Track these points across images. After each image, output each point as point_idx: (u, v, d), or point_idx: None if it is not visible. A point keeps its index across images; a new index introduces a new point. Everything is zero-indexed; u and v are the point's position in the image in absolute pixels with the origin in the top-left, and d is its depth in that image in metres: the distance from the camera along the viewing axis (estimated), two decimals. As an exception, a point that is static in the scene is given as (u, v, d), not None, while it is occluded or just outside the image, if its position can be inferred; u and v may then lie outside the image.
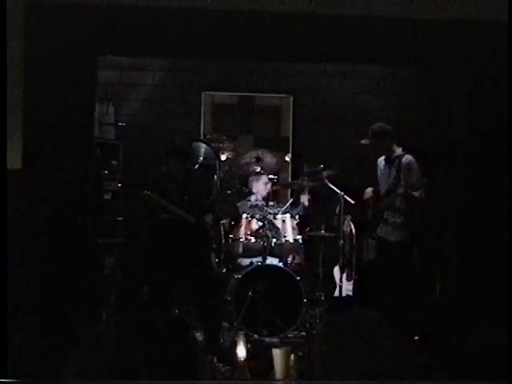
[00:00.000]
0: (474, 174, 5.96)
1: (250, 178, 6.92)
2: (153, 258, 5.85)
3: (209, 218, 5.91)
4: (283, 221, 6.53)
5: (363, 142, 5.88)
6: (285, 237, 6.46)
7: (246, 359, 5.11)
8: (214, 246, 6.22)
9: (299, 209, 6.75)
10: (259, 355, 5.21)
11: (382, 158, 6.01)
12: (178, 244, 5.53)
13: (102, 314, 6.30)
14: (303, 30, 5.42)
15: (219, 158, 6.14)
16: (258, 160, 7.03)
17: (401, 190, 5.70)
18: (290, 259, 6.64)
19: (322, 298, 6.45)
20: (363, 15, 5.27)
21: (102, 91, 6.92)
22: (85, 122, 5.74)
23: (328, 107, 7.92)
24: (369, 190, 6.02)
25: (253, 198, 6.89)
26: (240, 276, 6.08)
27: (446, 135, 6.78)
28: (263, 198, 6.84)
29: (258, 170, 6.95)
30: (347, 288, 6.49)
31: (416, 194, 5.61)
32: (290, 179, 7.77)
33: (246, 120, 8.13)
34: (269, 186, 6.83)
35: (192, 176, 5.76)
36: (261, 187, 6.83)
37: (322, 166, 6.51)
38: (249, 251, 6.48)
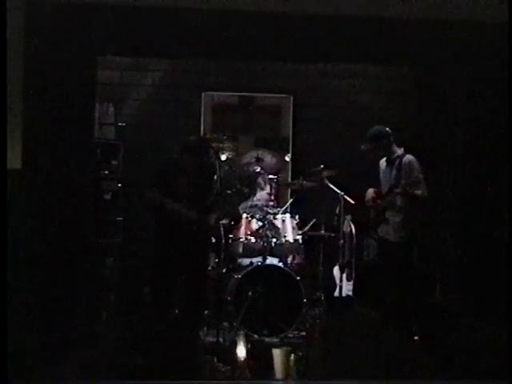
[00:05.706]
0: (475, 173, 5.97)
1: (257, 188, 6.91)
2: (153, 257, 5.84)
3: (211, 218, 5.88)
4: (283, 221, 6.52)
5: (363, 147, 5.89)
6: (285, 237, 6.45)
7: (245, 359, 5.10)
8: (214, 245, 6.20)
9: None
10: (259, 355, 5.20)
11: (384, 159, 6.00)
12: (179, 244, 5.52)
13: (102, 314, 6.29)
14: (303, 30, 5.43)
15: (219, 157, 6.13)
16: (258, 160, 7.03)
17: (400, 189, 5.69)
18: (290, 259, 6.63)
19: (322, 298, 6.44)
20: (363, 15, 5.27)
21: (102, 91, 6.92)
22: (85, 122, 5.74)
23: (328, 107, 7.91)
24: (370, 191, 6.01)
25: (253, 198, 6.88)
26: (240, 276, 6.07)
27: (446, 135, 6.78)
28: (264, 199, 6.83)
29: (258, 169, 6.94)
30: (347, 288, 6.48)
31: (414, 192, 5.61)
32: (289, 179, 7.76)
33: (246, 120, 8.11)
34: (273, 191, 6.80)
35: (201, 174, 5.72)
36: (265, 195, 6.82)
37: (322, 165, 6.50)
38: (249, 251, 6.47)
